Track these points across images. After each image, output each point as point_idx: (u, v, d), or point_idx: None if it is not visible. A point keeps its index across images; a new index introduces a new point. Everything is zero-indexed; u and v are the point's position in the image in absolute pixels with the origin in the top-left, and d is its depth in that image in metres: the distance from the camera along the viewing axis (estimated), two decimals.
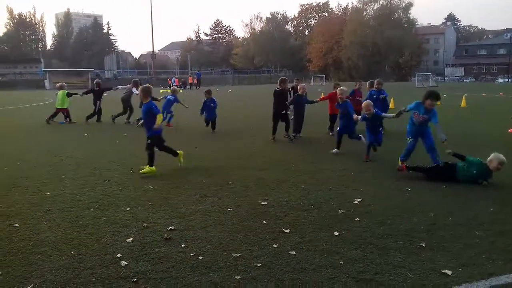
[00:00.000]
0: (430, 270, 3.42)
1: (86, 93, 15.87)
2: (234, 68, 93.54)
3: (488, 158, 5.97)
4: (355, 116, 8.37)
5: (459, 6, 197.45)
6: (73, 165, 7.60)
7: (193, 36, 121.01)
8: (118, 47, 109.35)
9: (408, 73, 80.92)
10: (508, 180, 6.07)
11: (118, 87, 17.12)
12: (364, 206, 5.07)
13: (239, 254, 3.74)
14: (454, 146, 6.73)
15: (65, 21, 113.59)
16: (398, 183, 6.16)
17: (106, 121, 14.80)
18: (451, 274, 3.34)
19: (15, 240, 4.12)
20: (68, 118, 14.91)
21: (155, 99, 13.74)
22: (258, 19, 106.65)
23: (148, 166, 6.79)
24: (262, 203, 5.22)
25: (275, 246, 3.92)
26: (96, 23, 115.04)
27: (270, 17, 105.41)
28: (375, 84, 11.51)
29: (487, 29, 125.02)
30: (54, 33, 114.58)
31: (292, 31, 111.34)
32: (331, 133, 11.15)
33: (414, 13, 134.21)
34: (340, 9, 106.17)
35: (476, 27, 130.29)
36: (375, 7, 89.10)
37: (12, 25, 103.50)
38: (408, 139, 6.93)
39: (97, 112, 15.12)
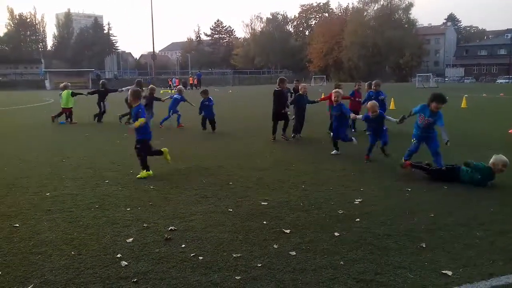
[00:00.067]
0: (430, 270, 3.42)
1: (92, 93, 15.86)
2: (235, 69, 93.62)
3: (491, 161, 5.95)
4: (352, 115, 8.38)
5: (459, 6, 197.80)
6: (73, 165, 7.61)
7: (193, 37, 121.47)
8: (118, 48, 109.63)
9: (409, 73, 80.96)
10: (509, 180, 6.06)
11: (123, 88, 17.08)
12: (364, 207, 5.07)
13: (239, 255, 3.74)
14: (454, 147, 6.72)
15: (66, 22, 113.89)
16: (398, 183, 6.16)
17: (107, 122, 14.83)
18: (451, 274, 3.34)
19: (15, 240, 4.12)
20: (69, 119, 14.93)
21: (159, 99, 13.81)
22: (259, 19, 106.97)
23: (144, 171, 6.66)
24: (262, 203, 5.22)
25: (275, 246, 3.92)
26: (96, 23, 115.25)
27: (271, 17, 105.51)
28: (372, 86, 11.50)
29: (488, 29, 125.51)
30: (54, 33, 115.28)
31: (292, 31, 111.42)
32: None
33: (414, 13, 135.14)
34: (340, 10, 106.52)
35: (477, 27, 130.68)
36: (375, 8, 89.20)
37: (12, 25, 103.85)
38: (413, 140, 6.88)
39: (102, 112, 15.17)
